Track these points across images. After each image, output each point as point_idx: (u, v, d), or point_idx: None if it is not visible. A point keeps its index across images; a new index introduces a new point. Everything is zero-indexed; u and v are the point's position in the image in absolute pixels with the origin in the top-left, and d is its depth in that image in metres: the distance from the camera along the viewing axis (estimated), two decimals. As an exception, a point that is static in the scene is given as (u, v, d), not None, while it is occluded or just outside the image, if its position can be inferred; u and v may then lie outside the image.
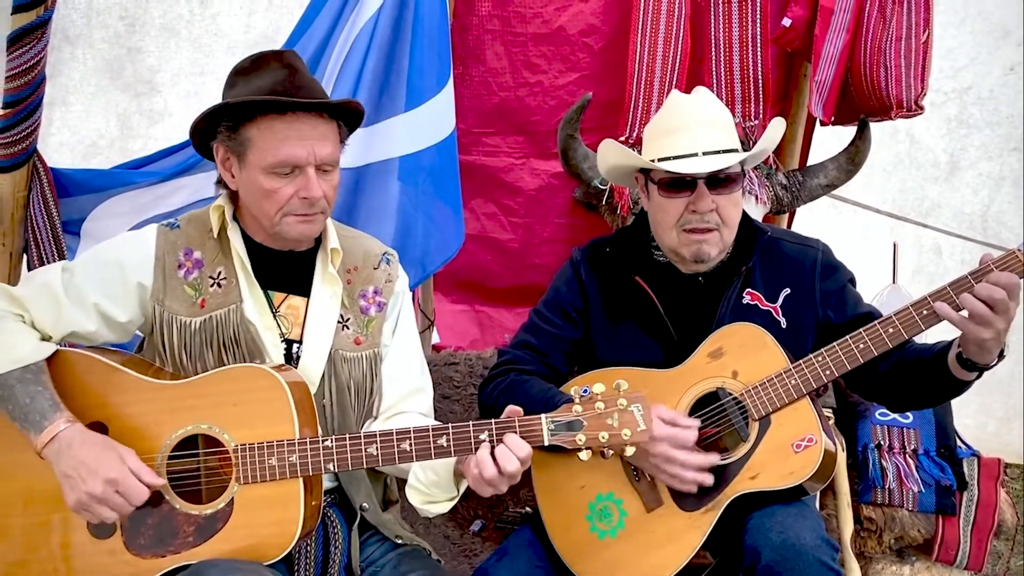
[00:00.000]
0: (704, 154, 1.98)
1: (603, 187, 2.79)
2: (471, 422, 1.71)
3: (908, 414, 2.65)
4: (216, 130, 1.87)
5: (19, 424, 1.74)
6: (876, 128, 2.76)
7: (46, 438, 1.71)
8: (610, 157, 2.15)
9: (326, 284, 1.96)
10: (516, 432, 1.69)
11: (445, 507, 1.85)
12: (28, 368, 1.76)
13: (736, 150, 2.03)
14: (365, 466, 1.76)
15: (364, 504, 1.94)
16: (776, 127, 2.13)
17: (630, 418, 1.65)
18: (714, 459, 1.90)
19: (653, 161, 2.02)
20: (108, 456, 1.70)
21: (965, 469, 2.59)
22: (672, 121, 2.06)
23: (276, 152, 1.82)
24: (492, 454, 1.68)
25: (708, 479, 1.89)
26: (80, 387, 1.81)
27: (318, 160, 1.84)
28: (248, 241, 1.95)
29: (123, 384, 1.81)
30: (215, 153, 1.91)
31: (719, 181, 2.00)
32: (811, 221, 3.17)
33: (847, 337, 1.93)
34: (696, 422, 1.88)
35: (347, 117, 1.94)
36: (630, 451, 1.67)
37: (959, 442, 2.64)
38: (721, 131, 2.04)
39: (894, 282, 2.99)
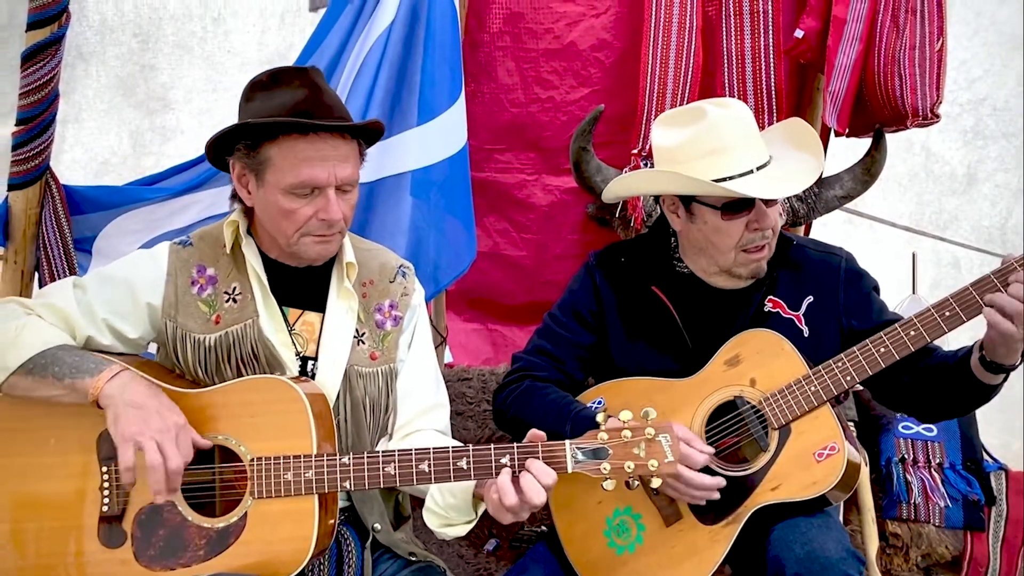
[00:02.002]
0: (758, 169, 1.93)
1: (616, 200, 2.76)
2: (492, 445, 1.67)
3: (932, 427, 2.60)
4: (234, 146, 1.84)
5: (68, 379, 1.69)
6: (891, 141, 2.73)
7: (109, 374, 1.69)
8: (663, 184, 2.04)
9: (342, 299, 1.93)
10: (540, 458, 1.64)
11: (463, 530, 1.81)
12: (64, 344, 1.76)
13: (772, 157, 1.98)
14: (382, 485, 1.72)
15: (376, 525, 1.90)
16: (800, 129, 2.08)
17: (658, 448, 1.60)
18: (720, 482, 1.84)
19: (719, 183, 1.91)
20: (172, 406, 1.70)
21: (993, 483, 2.53)
22: (719, 139, 1.94)
23: (296, 173, 1.78)
24: (513, 480, 1.64)
25: (714, 495, 1.83)
26: None
27: (338, 181, 1.81)
28: (263, 256, 1.92)
29: None
30: (231, 168, 1.89)
31: None
32: (826, 235, 3.13)
33: (867, 341, 1.89)
34: (710, 449, 1.82)
35: (367, 134, 1.91)
36: (656, 482, 1.62)
37: (985, 455, 2.58)
38: (760, 141, 1.99)
39: (914, 292, 2.94)
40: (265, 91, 1.85)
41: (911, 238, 3.50)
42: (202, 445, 1.71)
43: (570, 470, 1.63)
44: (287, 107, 1.80)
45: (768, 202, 1.95)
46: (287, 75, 1.88)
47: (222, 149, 1.88)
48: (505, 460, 1.65)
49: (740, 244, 1.97)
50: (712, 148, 1.93)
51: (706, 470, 1.89)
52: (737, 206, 1.94)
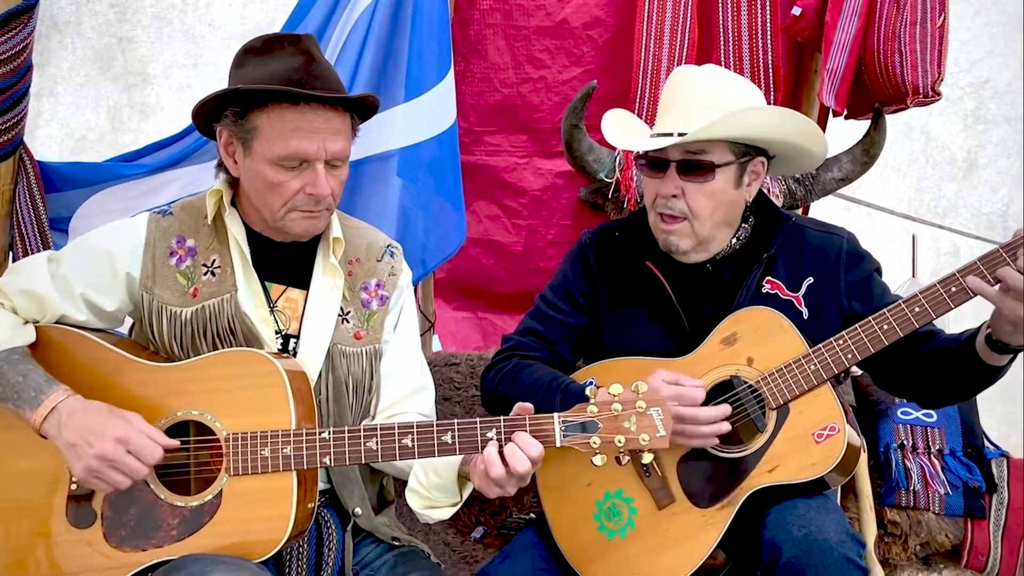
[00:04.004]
0: (679, 135, 1.89)
1: (609, 180, 2.71)
2: (478, 419, 1.61)
3: (932, 412, 2.54)
4: (222, 112, 1.78)
5: (11, 404, 1.65)
6: (890, 126, 2.68)
7: (44, 411, 1.62)
8: (605, 128, 2.06)
9: (327, 275, 1.87)
10: (527, 431, 1.59)
11: (447, 513, 1.75)
12: (14, 350, 1.69)
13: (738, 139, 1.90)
14: (364, 461, 1.66)
15: (357, 510, 1.85)
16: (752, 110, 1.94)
17: (649, 422, 1.55)
18: (726, 409, 1.81)
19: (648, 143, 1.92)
20: (114, 419, 1.62)
21: (994, 470, 2.47)
22: (666, 97, 1.99)
23: (285, 144, 1.73)
24: (500, 453, 1.58)
25: (726, 427, 1.80)
26: (68, 366, 1.72)
27: (328, 155, 1.75)
28: (246, 229, 1.86)
29: (113, 365, 1.73)
30: (218, 136, 1.82)
31: (691, 167, 1.90)
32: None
33: (870, 318, 1.83)
34: (703, 382, 1.79)
35: (360, 109, 1.85)
36: (648, 458, 1.57)
37: (986, 442, 2.52)
38: (712, 112, 1.88)
39: (914, 276, 2.88)
40: (258, 56, 1.79)
41: (909, 225, 3.44)
42: (169, 444, 1.64)
43: (558, 443, 1.57)
44: (279, 75, 1.74)
45: (686, 174, 1.91)
46: (281, 42, 1.81)
47: (210, 116, 1.82)
48: (491, 434, 1.59)
49: (654, 206, 1.97)
50: (663, 105, 1.99)
51: (700, 452, 1.84)
52: (652, 166, 1.95)
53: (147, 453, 1.61)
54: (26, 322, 1.76)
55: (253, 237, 1.86)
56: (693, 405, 1.76)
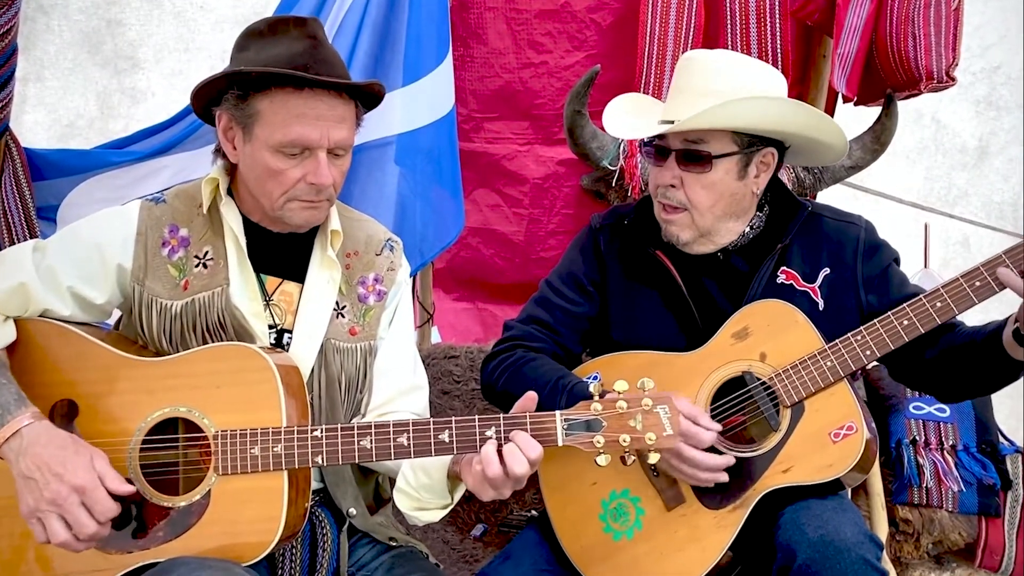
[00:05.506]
0: (664, 122, 1.84)
1: (612, 168, 2.64)
2: (476, 416, 1.55)
3: (945, 407, 2.47)
4: (222, 95, 1.71)
5: None
6: (900, 112, 2.61)
7: (7, 433, 1.54)
8: (607, 115, 2.03)
9: (324, 268, 1.81)
10: (527, 430, 1.52)
11: (436, 515, 1.69)
12: None
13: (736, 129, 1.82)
14: (357, 461, 1.59)
15: (351, 510, 1.79)
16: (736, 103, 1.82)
17: (655, 420, 1.48)
18: (730, 460, 1.73)
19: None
20: (78, 461, 1.52)
21: (1009, 467, 2.42)
22: (674, 82, 1.92)
23: (287, 130, 1.66)
24: (498, 451, 1.52)
25: (722, 477, 1.73)
26: (51, 360, 1.66)
27: (331, 143, 1.69)
28: (243, 219, 1.79)
29: (98, 359, 1.66)
30: (217, 120, 1.75)
31: (692, 157, 1.84)
32: (831, 210, 3.02)
33: (889, 313, 1.76)
34: (717, 427, 1.70)
35: (365, 97, 1.78)
36: (654, 458, 1.50)
37: (1001, 437, 2.45)
38: (710, 100, 1.80)
39: (926, 266, 2.82)
40: (262, 39, 1.73)
41: (918, 214, 3.37)
42: (123, 491, 1.54)
43: (560, 443, 1.51)
44: (283, 59, 1.67)
45: (685, 163, 1.85)
46: (286, 24, 1.75)
47: (209, 99, 1.75)
48: (490, 432, 1.53)
49: (656, 195, 1.92)
50: (672, 90, 1.93)
51: (711, 451, 1.77)
52: (656, 153, 1.90)
53: (100, 508, 1.51)
54: (7, 319, 1.69)
55: (249, 227, 1.79)
56: (700, 447, 1.68)
